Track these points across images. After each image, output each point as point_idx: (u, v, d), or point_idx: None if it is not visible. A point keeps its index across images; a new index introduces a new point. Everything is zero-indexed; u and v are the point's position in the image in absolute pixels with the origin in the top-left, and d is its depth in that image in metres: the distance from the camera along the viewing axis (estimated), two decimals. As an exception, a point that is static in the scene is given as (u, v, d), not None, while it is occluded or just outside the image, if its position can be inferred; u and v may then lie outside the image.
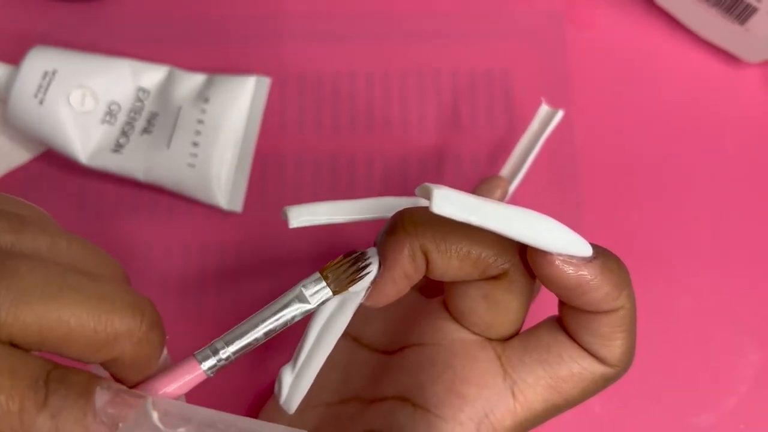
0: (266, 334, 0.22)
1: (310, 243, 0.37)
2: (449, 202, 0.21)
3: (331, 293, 0.22)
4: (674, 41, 0.40)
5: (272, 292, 0.35)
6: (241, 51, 0.39)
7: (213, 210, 0.37)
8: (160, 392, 0.21)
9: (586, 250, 0.23)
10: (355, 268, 0.23)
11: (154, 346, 0.20)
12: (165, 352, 0.22)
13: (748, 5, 0.36)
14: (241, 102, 0.37)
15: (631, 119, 0.39)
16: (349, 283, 0.23)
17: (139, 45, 0.39)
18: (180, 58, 0.39)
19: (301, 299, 0.22)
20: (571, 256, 0.22)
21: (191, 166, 0.36)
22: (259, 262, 0.36)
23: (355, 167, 0.38)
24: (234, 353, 0.22)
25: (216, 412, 0.20)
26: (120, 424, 0.19)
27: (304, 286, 0.22)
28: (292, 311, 0.22)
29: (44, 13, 0.40)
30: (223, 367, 0.22)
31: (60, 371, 0.19)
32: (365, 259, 0.23)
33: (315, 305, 0.22)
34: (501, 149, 0.38)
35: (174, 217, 0.37)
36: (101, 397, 0.19)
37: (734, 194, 0.38)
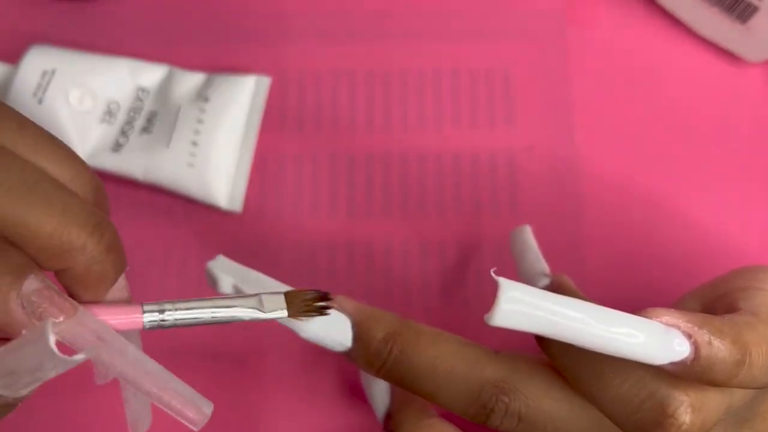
0: (213, 319, 0.22)
1: (310, 243, 0.37)
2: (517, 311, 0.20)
3: (285, 314, 0.23)
4: (675, 41, 0.40)
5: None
6: (241, 50, 0.39)
7: (213, 210, 0.37)
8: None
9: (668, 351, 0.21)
10: (316, 305, 0.23)
11: (106, 270, 0.21)
12: (124, 285, 0.23)
13: (749, 4, 0.36)
14: (240, 101, 0.37)
15: (631, 119, 0.39)
16: (303, 313, 0.23)
17: (139, 44, 0.39)
18: (180, 58, 0.39)
19: (258, 306, 0.23)
20: (675, 363, 0.21)
21: (191, 165, 0.36)
22: (258, 263, 0.36)
23: (354, 167, 0.38)
24: (176, 321, 0.22)
25: (130, 345, 0.21)
26: (24, 331, 0.19)
27: (266, 296, 0.23)
28: (245, 312, 0.23)
29: (43, 13, 0.40)
30: (160, 328, 0.22)
31: (4, 249, 0.19)
32: (326, 302, 0.24)
33: (265, 317, 0.23)
34: (501, 149, 0.38)
35: (173, 216, 0.37)
36: (31, 284, 0.19)
37: (736, 194, 0.38)
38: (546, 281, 0.27)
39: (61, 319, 0.20)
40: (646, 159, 0.38)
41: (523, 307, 0.20)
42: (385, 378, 0.25)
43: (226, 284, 0.25)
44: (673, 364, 0.21)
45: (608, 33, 0.40)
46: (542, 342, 0.25)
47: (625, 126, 0.39)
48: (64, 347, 0.20)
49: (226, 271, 0.26)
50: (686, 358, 0.21)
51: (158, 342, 0.24)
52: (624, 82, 0.39)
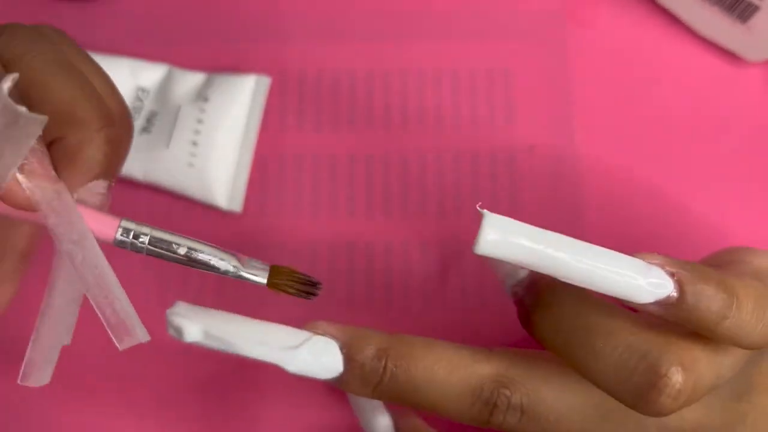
0: (187, 256, 0.22)
1: (310, 243, 0.37)
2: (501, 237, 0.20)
3: (265, 282, 0.23)
4: (675, 40, 0.40)
5: (272, 291, 0.35)
6: (241, 50, 0.39)
7: (212, 210, 0.37)
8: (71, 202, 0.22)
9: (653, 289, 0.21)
10: (299, 286, 0.23)
11: (96, 156, 0.22)
12: (105, 200, 0.23)
13: (750, 4, 0.36)
14: (240, 101, 0.37)
15: (631, 118, 0.39)
16: (283, 289, 0.23)
17: (139, 44, 0.39)
18: (179, 57, 0.39)
19: (240, 263, 0.22)
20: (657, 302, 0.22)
21: (191, 165, 0.36)
22: (258, 263, 0.36)
23: (354, 167, 0.38)
24: (148, 245, 0.22)
25: (93, 242, 0.21)
26: None
27: (252, 260, 0.23)
28: (224, 263, 0.22)
29: (43, 12, 0.40)
30: (131, 249, 0.22)
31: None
32: (314, 290, 0.23)
33: (243, 274, 0.22)
34: (501, 149, 0.38)
35: (173, 217, 0.37)
36: (6, 83, 0.19)
37: (736, 193, 0.38)
38: (525, 272, 0.27)
39: (38, 168, 0.21)
40: (646, 158, 0.38)
41: (505, 236, 0.20)
42: (383, 396, 0.25)
43: (193, 332, 0.22)
44: (658, 303, 0.21)
45: (608, 33, 0.40)
46: (533, 327, 0.24)
47: (625, 125, 0.39)
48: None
49: (189, 317, 0.23)
50: (670, 297, 0.21)
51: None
52: (624, 81, 0.39)
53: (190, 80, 0.37)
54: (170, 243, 0.22)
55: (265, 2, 0.40)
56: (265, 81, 0.38)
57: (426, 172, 0.38)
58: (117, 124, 0.23)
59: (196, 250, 0.22)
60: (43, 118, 0.19)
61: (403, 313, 0.36)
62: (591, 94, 0.39)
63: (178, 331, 0.22)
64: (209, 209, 0.37)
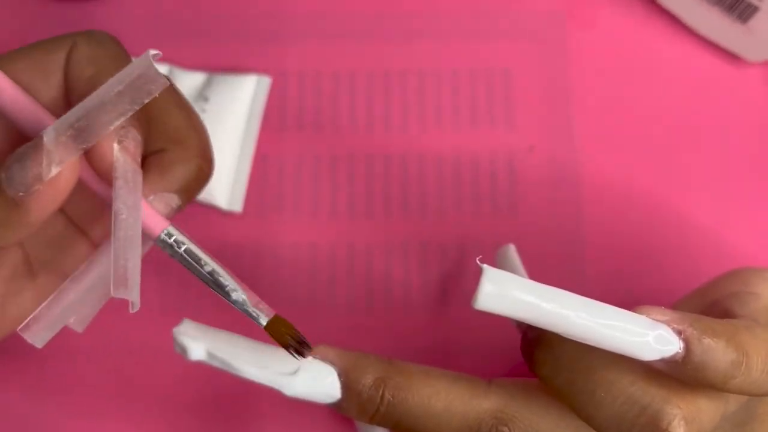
0: (210, 275, 0.23)
1: (311, 243, 0.37)
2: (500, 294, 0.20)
3: (264, 324, 0.23)
4: (676, 41, 0.40)
5: (272, 291, 0.35)
6: (241, 50, 0.39)
7: (213, 210, 0.37)
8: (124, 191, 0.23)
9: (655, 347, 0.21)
10: (292, 341, 0.24)
11: (183, 174, 0.25)
12: (173, 208, 0.25)
13: (750, 4, 0.36)
14: (241, 101, 0.37)
15: (631, 119, 0.39)
16: (277, 338, 0.23)
17: (139, 44, 0.39)
18: (180, 57, 0.39)
19: (246, 300, 0.23)
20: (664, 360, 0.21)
21: (191, 165, 0.36)
22: (258, 263, 0.36)
23: (354, 167, 0.38)
24: (182, 252, 0.23)
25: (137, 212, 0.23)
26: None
27: (262, 302, 0.23)
28: (237, 293, 0.23)
29: (44, 13, 0.40)
30: (166, 249, 0.23)
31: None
32: (303, 350, 0.24)
33: (246, 308, 0.23)
34: (501, 149, 0.38)
35: (173, 217, 0.37)
36: (153, 51, 0.21)
37: (736, 194, 0.38)
38: None
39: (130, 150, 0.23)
40: (645, 159, 0.38)
41: (505, 291, 0.20)
42: (381, 423, 0.25)
43: (197, 352, 0.24)
44: (664, 361, 0.21)
45: (609, 33, 0.40)
46: (534, 364, 0.24)
47: (625, 126, 0.39)
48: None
49: (194, 336, 0.24)
50: (677, 355, 0.21)
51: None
52: (624, 82, 0.39)
53: (190, 80, 0.37)
54: (200, 259, 0.23)
55: (266, 2, 0.40)
56: (266, 81, 0.38)
57: (426, 172, 0.38)
58: (209, 161, 0.26)
59: (218, 274, 0.23)
60: (166, 82, 0.21)
61: (403, 314, 0.36)
62: (591, 95, 0.39)
63: (183, 349, 0.24)
64: (209, 209, 0.37)
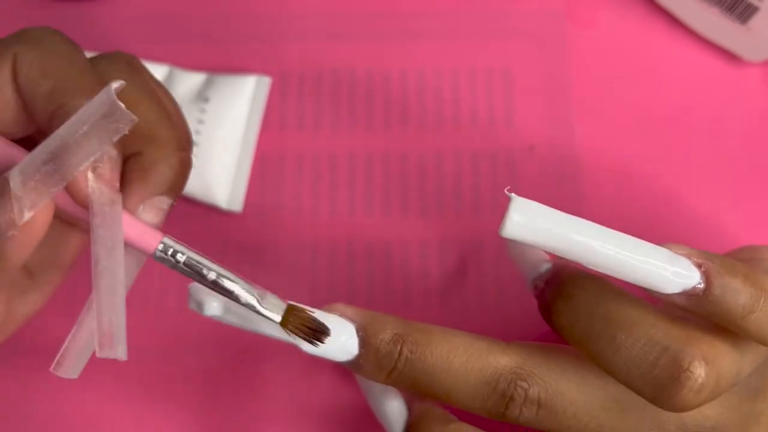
0: (215, 282, 0.23)
1: (311, 243, 0.37)
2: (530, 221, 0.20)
3: (278, 320, 0.23)
4: (675, 41, 0.40)
5: (271, 291, 0.35)
6: (241, 50, 0.39)
7: (213, 210, 0.37)
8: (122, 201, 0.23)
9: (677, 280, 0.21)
10: (308, 330, 0.23)
11: (166, 174, 0.24)
12: (161, 215, 0.24)
13: (749, 5, 0.36)
14: (241, 102, 0.37)
15: (631, 118, 0.39)
16: (294, 330, 0.23)
17: (139, 44, 0.39)
18: (180, 58, 0.39)
19: (258, 298, 0.23)
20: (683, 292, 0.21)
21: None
22: (259, 263, 0.36)
23: (355, 167, 0.38)
24: (183, 264, 0.23)
25: (120, 259, 0.22)
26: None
27: (272, 295, 0.23)
28: (244, 295, 0.23)
29: (43, 13, 0.40)
30: (166, 264, 0.23)
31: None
32: (322, 334, 0.24)
33: (258, 309, 0.23)
34: (501, 149, 0.38)
35: (173, 217, 0.37)
36: (116, 84, 0.21)
37: (736, 193, 0.38)
38: (548, 266, 0.27)
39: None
40: (646, 159, 0.38)
41: (531, 220, 0.20)
42: (397, 382, 0.25)
43: (213, 306, 0.24)
44: (684, 294, 0.21)
45: (608, 33, 0.40)
46: (552, 315, 0.24)
47: (625, 126, 0.39)
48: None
49: (210, 293, 0.24)
50: (697, 288, 0.21)
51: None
52: (624, 81, 0.39)
53: (190, 80, 0.37)
54: (202, 267, 0.23)
55: (266, 2, 0.40)
56: (266, 81, 0.38)
57: (426, 171, 0.38)
58: (187, 148, 0.25)
59: (223, 281, 0.23)
60: (134, 118, 0.21)
61: (404, 313, 0.35)
62: (591, 94, 0.39)
63: (199, 305, 0.24)
64: (209, 209, 0.37)
